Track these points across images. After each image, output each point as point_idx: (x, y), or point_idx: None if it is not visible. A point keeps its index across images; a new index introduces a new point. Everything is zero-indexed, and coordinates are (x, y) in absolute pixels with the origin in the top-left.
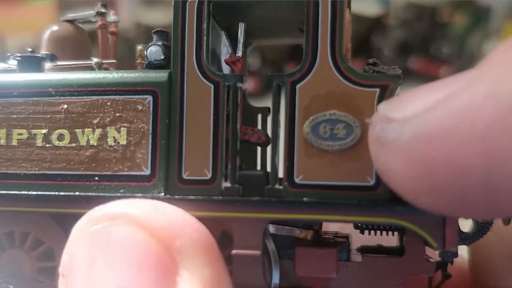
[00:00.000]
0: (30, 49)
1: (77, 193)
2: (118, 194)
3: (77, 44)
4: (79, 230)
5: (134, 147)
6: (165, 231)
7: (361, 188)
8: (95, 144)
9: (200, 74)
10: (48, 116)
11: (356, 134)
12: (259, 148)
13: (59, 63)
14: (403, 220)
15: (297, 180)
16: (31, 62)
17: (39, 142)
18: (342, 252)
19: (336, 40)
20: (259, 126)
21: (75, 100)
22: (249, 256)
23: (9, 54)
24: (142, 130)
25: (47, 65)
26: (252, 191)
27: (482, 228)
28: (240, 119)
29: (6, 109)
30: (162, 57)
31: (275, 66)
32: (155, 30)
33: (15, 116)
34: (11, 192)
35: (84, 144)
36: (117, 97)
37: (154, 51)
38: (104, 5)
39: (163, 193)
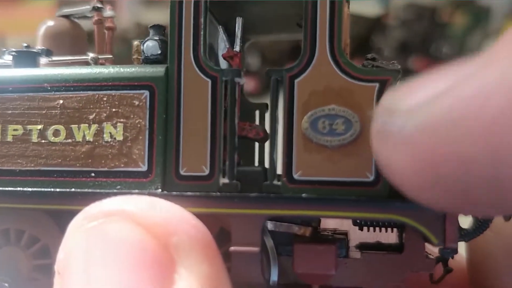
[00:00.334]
0: (25, 44)
1: (73, 189)
2: (115, 191)
3: (73, 39)
4: (75, 227)
5: (131, 143)
6: (162, 228)
7: (360, 184)
8: (91, 139)
9: (197, 69)
10: (44, 112)
11: (355, 129)
12: (257, 144)
13: (54, 58)
14: (403, 216)
15: (295, 176)
16: (26, 57)
17: (34, 138)
18: (341, 248)
19: (335, 34)
20: (257, 122)
21: (71, 95)
22: (247, 253)
23: (4, 49)
24: (138, 125)
25: (43, 60)
26: (251, 187)
27: (482, 224)
28: (238, 115)
29: (1, 104)
30: (159, 52)
31: (275, 66)
32: (152, 25)
33: (10, 111)
34: (6, 188)
35: (80, 140)
36: (113, 92)
37: (150, 46)
38: (100, 1)
39: (160, 190)
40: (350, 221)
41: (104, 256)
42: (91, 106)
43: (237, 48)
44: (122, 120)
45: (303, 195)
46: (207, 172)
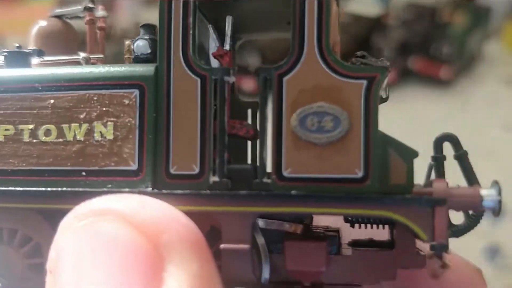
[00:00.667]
0: (17, 45)
1: (64, 188)
2: (105, 189)
3: (65, 39)
4: (65, 226)
5: (121, 142)
6: (152, 226)
7: (349, 181)
8: (81, 139)
9: (186, 68)
10: (35, 112)
11: (344, 126)
12: (250, 142)
13: (46, 58)
14: (392, 212)
15: (285, 174)
16: (18, 57)
17: (26, 137)
18: (332, 245)
19: (323, 32)
20: (249, 121)
21: (61, 95)
22: (238, 250)
23: None
24: (129, 124)
25: (34, 60)
26: (241, 185)
27: (473, 221)
28: (228, 113)
29: None
30: (149, 51)
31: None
32: (142, 24)
33: (1, 111)
34: None
35: (71, 139)
36: (103, 91)
37: (141, 45)
38: (92, 1)
39: (150, 188)
40: (342, 218)
41: (94, 254)
42: (82, 106)
43: (227, 46)
44: (112, 119)
45: (293, 192)
46: (197, 170)
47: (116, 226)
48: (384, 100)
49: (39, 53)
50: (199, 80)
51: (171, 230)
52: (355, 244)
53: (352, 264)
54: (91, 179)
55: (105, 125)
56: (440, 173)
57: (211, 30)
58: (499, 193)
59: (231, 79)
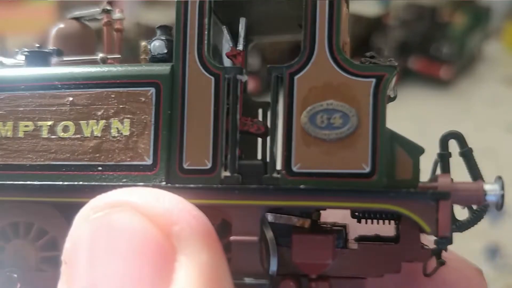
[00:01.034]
0: (37, 45)
1: (80, 182)
2: (121, 183)
3: (83, 41)
4: (81, 218)
5: (137, 138)
6: (164, 218)
7: (357, 176)
8: (99, 135)
9: (201, 67)
10: (54, 109)
11: (353, 123)
12: (260, 139)
13: (65, 58)
14: (397, 205)
15: (294, 169)
16: (38, 57)
17: (44, 133)
18: (339, 239)
19: (334, 32)
20: (260, 120)
21: (80, 92)
22: (247, 242)
23: (16, 50)
24: (144, 121)
25: (54, 60)
26: (251, 180)
27: (476, 216)
28: (240, 111)
29: (13, 102)
30: (165, 51)
31: (278, 63)
32: (159, 25)
33: (21, 108)
34: (16, 182)
35: (88, 135)
36: (121, 89)
37: (157, 45)
38: (109, 3)
39: (164, 182)
40: (349, 215)
41: (108, 245)
42: (100, 103)
43: (240, 47)
44: (129, 116)
45: (301, 186)
46: (209, 165)
47: (130, 217)
48: (392, 99)
49: (58, 52)
50: (213, 78)
51: (183, 221)
52: (361, 239)
53: (357, 258)
54: (107, 173)
55: (121, 122)
56: (446, 170)
57: (225, 31)
58: (502, 188)
59: (244, 77)
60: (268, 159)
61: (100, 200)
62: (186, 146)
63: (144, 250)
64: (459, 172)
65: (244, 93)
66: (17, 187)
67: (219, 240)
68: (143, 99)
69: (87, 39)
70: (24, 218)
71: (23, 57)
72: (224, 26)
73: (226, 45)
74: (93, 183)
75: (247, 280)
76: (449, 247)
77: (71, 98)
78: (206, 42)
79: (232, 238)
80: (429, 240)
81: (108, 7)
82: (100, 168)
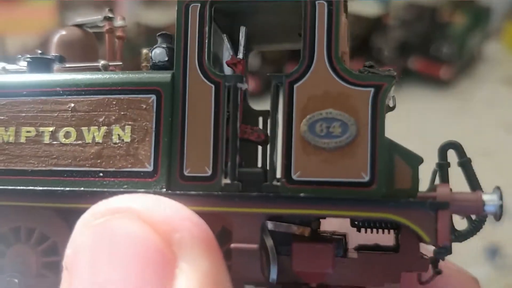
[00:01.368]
0: (40, 51)
1: (82, 188)
2: (122, 190)
3: (85, 48)
4: (82, 224)
5: (138, 144)
6: (165, 225)
7: (356, 184)
8: (100, 141)
9: (201, 75)
10: (56, 115)
11: (352, 132)
12: (259, 147)
13: (67, 65)
14: (397, 215)
15: (294, 177)
16: (41, 63)
17: (46, 139)
18: (339, 248)
19: (332, 42)
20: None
21: (82, 99)
22: (247, 250)
23: (19, 56)
24: (145, 128)
25: (56, 66)
26: (251, 188)
27: (475, 226)
28: (240, 118)
29: (15, 107)
30: (166, 59)
31: (275, 66)
32: (160, 33)
33: (24, 114)
34: (18, 187)
35: (90, 141)
36: (122, 96)
37: (158, 53)
38: (111, 10)
39: (164, 189)
40: (349, 225)
41: (109, 250)
42: (101, 109)
43: (240, 55)
44: (130, 122)
45: (301, 194)
46: (209, 173)
47: (131, 224)
48: (391, 109)
49: (61, 59)
50: (213, 86)
51: (184, 228)
52: (361, 248)
53: (357, 267)
54: (108, 179)
55: (123, 128)
56: (444, 180)
57: (225, 40)
58: (501, 198)
59: (244, 86)
60: (268, 167)
61: (101, 206)
62: (187, 153)
63: (145, 257)
64: (457, 182)
65: (244, 101)
66: (18, 192)
67: (219, 247)
68: (144, 106)
69: (89, 46)
70: (25, 223)
71: (25, 63)
72: (224, 35)
73: (227, 54)
74: (94, 189)
75: (248, 287)
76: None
77: (72, 104)
78: (206, 50)
79: (232, 245)
80: (427, 250)
81: (110, 15)
82: (101, 174)
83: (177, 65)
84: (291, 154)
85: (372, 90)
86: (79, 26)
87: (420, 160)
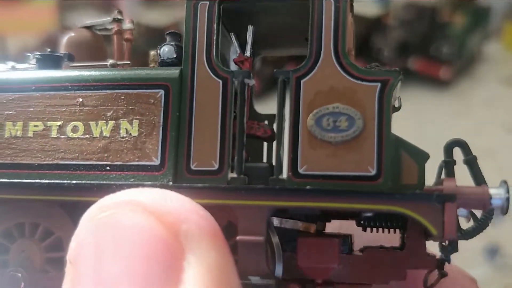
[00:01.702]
0: (49, 50)
1: (88, 182)
2: (128, 183)
3: (93, 49)
4: (88, 217)
5: (145, 138)
6: (172, 217)
7: (362, 178)
8: (107, 135)
9: (209, 70)
10: (64, 109)
11: (358, 126)
12: (265, 143)
13: (76, 64)
14: (403, 207)
15: (300, 171)
16: (50, 60)
17: (54, 133)
18: (345, 245)
19: (339, 37)
20: None
21: (90, 94)
22: (253, 242)
23: (28, 54)
24: (153, 122)
25: (65, 64)
26: (258, 182)
27: (481, 223)
28: (247, 114)
29: (24, 102)
30: (174, 56)
31: (275, 66)
32: (168, 32)
33: (32, 109)
34: (24, 181)
35: (97, 135)
36: (130, 91)
37: (167, 50)
38: (120, 12)
39: (171, 183)
40: (354, 226)
41: (115, 243)
42: (109, 104)
43: (248, 53)
44: (137, 117)
45: (307, 187)
46: (216, 167)
47: (137, 216)
48: (397, 109)
49: (70, 57)
50: (221, 82)
51: (191, 221)
52: (366, 249)
53: (362, 264)
54: (115, 173)
55: (130, 122)
56: (451, 177)
57: (233, 38)
58: (507, 192)
59: (251, 82)
60: (274, 162)
61: (107, 200)
62: (194, 147)
63: (152, 249)
64: (462, 181)
65: (250, 104)
66: (25, 186)
67: (225, 239)
68: (152, 101)
69: (98, 48)
70: (30, 219)
71: (34, 62)
72: (232, 33)
73: (234, 54)
74: (100, 182)
75: (254, 280)
76: None
77: (81, 99)
78: (214, 46)
79: (238, 238)
80: (431, 252)
81: (119, 16)
82: (108, 167)
83: (185, 61)
84: (297, 148)
85: (378, 85)
86: (88, 28)
87: (426, 156)
